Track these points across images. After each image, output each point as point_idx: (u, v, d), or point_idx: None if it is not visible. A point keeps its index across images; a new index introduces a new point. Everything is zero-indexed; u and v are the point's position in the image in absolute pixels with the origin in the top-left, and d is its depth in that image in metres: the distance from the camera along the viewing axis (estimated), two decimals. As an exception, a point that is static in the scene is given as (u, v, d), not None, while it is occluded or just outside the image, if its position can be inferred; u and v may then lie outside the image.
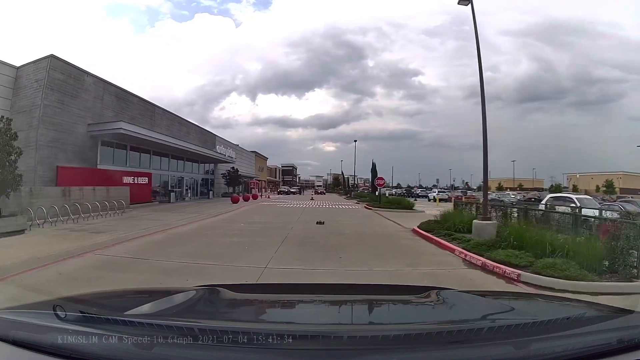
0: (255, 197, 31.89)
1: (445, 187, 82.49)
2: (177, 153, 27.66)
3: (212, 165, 37.62)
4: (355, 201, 29.46)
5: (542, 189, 71.21)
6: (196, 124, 34.01)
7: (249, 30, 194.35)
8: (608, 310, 1.47)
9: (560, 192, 51.44)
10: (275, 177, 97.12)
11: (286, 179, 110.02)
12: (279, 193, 52.58)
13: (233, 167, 39.96)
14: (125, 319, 1.07)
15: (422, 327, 1.20)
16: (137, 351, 0.92)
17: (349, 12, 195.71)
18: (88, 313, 1.10)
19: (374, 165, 29.16)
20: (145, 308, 1.45)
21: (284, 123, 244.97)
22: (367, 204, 24.62)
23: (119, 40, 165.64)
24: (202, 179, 35.70)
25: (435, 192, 41.45)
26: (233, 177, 39.01)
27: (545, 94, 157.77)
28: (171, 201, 26.14)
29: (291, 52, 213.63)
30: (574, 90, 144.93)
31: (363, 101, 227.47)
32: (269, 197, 36.36)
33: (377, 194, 26.35)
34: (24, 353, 0.96)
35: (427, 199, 39.77)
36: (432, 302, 1.62)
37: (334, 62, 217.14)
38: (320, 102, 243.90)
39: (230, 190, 40.09)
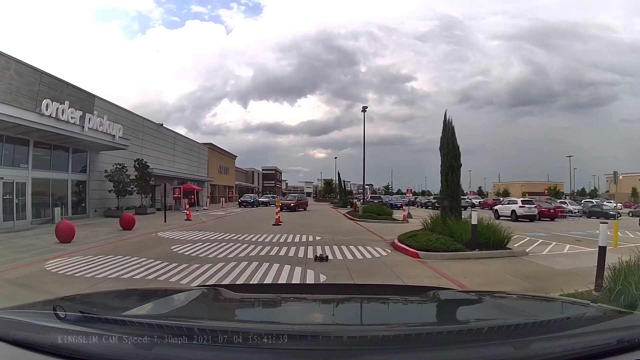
0: (128, 221, 12.79)
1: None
2: None
3: (84, 155, 18.80)
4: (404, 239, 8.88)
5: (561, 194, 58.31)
6: (25, 62, 15.23)
7: (240, 36, 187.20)
8: (608, 310, 1.48)
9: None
10: (253, 183, 78.00)
11: (268, 185, 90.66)
12: (241, 204, 33.41)
13: (140, 160, 21.12)
14: (125, 319, 1.06)
15: (422, 327, 1.18)
16: (137, 351, 0.91)
17: (340, 16, 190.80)
18: (88, 313, 1.08)
19: (450, 127, 9.16)
20: (145, 308, 1.46)
21: (275, 129, 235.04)
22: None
23: (110, 46, 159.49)
24: (56, 182, 16.96)
25: (515, 203, 22.96)
26: (130, 180, 20.11)
27: (536, 98, 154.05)
28: None
29: (282, 58, 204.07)
30: (566, 93, 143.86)
31: (355, 107, 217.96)
32: (190, 218, 17.37)
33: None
34: (24, 353, 0.94)
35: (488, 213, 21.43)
36: (432, 302, 1.59)
37: (325, 68, 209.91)
38: (312, 108, 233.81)
39: (147, 201, 21.19)
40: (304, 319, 1.39)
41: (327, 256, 7.52)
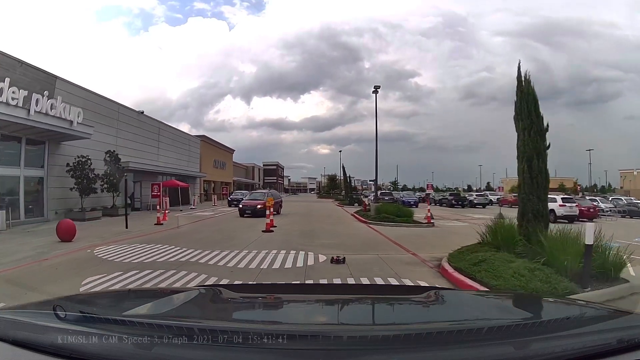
0: (66, 230, 9.55)
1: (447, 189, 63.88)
2: None
3: (42, 147, 15.54)
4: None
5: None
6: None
7: (243, 33, 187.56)
8: (608, 310, 1.44)
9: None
10: (254, 178, 74.79)
11: (269, 181, 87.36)
12: (231, 203, 29.55)
13: (111, 152, 17.89)
14: (125, 319, 1.05)
15: (422, 327, 1.17)
16: (136, 351, 0.90)
17: (344, 13, 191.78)
18: (88, 313, 1.07)
19: (530, 89, 5.68)
20: (145, 308, 1.44)
21: (279, 126, 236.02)
22: None
23: (113, 44, 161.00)
24: (5, 179, 13.77)
25: (554, 201, 19.45)
26: (97, 176, 16.83)
27: (540, 94, 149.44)
28: None
29: (286, 54, 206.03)
30: (570, 90, 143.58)
31: (359, 103, 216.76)
32: (162, 221, 14.06)
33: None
34: (24, 353, 0.93)
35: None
36: (432, 302, 1.55)
37: (329, 64, 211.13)
38: (316, 104, 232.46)
39: (121, 201, 17.91)
40: (304, 319, 1.38)
41: (344, 258, 6.67)
